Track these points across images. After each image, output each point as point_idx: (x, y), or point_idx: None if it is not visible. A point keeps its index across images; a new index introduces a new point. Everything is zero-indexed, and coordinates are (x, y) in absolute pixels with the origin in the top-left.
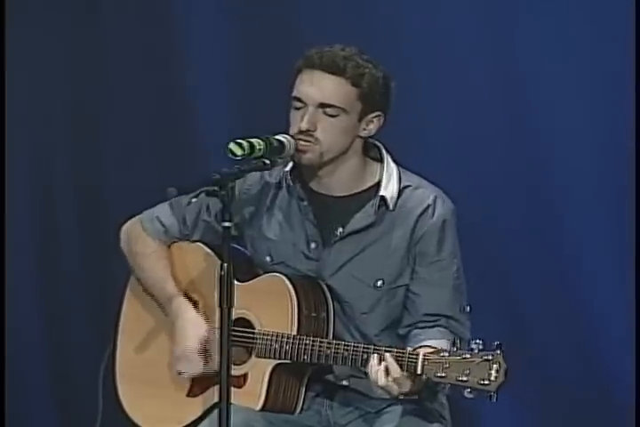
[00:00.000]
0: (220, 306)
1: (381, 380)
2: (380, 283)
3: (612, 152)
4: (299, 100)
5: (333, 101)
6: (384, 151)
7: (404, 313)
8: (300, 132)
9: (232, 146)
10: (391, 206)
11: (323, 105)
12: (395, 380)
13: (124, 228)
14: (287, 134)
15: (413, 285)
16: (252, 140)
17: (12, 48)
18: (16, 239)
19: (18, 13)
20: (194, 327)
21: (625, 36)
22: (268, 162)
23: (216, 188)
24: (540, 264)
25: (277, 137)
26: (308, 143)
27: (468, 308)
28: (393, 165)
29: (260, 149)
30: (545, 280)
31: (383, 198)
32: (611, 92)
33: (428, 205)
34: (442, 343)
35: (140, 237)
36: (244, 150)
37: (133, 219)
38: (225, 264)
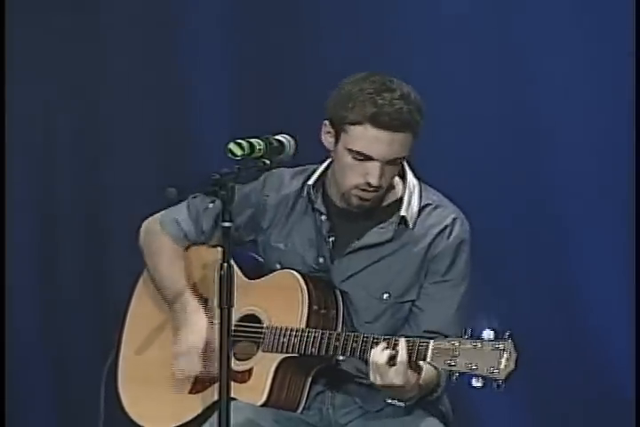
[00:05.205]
0: (220, 306)
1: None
2: (386, 296)
3: (613, 154)
4: (365, 155)
5: (403, 154)
6: (407, 167)
7: (405, 326)
8: (370, 185)
9: (232, 146)
10: (411, 225)
11: (392, 159)
12: (395, 365)
13: (143, 226)
14: (288, 135)
15: (419, 300)
16: (252, 140)
17: (11, 48)
18: (16, 239)
19: (18, 13)
20: (198, 326)
21: (625, 37)
22: (267, 162)
23: (216, 188)
24: (541, 264)
25: (277, 137)
26: (373, 193)
27: (470, 331)
28: (415, 182)
29: (260, 149)
30: (545, 281)
31: (403, 218)
32: (611, 93)
33: (446, 226)
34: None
35: (158, 238)
36: (244, 150)
37: (152, 218)
38: (225, 264)
